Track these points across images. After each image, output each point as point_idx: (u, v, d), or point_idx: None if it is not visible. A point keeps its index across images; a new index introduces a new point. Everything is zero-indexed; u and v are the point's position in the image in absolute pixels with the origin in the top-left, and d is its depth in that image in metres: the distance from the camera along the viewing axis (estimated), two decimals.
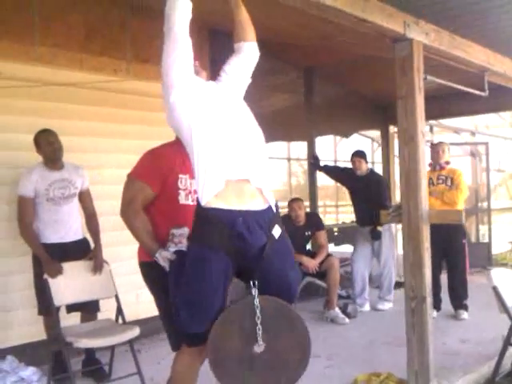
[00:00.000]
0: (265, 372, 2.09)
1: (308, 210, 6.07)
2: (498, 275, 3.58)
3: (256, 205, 2.11)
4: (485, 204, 8.32)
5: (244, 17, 2.41)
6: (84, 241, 3.77)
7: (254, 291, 2.07)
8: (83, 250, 3.70)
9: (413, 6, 3.10)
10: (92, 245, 3.77)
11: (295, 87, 6.36)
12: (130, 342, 3.36)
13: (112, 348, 3.51)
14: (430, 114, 7.62)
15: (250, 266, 2.10)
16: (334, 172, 6.15)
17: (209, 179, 2.06)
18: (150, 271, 2.43)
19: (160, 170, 2.42)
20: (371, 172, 5.66)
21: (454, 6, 3.20)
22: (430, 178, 5.10)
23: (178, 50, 2.13)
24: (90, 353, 3.69)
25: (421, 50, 3.22)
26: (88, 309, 3.63)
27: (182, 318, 2.09)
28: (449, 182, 5.03)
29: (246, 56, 2.40)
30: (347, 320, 4.96)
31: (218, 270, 2.06)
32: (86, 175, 3.77)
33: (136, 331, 3.32)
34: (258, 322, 2.04)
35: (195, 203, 2.36)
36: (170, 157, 2.47)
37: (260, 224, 2.09)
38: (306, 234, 5.28)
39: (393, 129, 7.43)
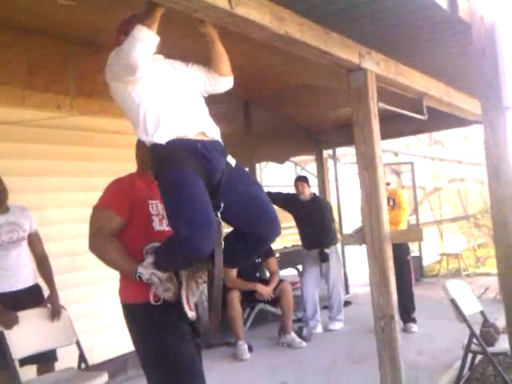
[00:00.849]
0: None
1: None
2: (453, 287, 3.76)
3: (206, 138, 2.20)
4: (413, 219, 8.74)
5: (219, 51, 2.42)
6: (36, 287, 3.55)
7: (218, 214, 2.11)
8: (36, 297, 3.49)
9: (364, 38, 3.28)
10: (44, 290, 3.57)
11: (236, 115, 6.45)
12: None
13: None
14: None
15: (214, 189, 2.13)
16: (278, 198, 6.24)
17: (163, 130, 2.12)
18: (137, 313, 2.28)
19: (126, 196, 2.32)
20: (314, 196, 5.82)
21: (399, 37, 3.42)
22: None
23: (126, 75, 2.16)
24: None
25: (374, 79, 3.40)
26: (45, 359, 3.40)
27: (188, 237, 2.00)
28: (391, 203, 5.26)
29: (218, 87, 2.47)
30: (304, 343, 5.00)
31: (200, 184, 2.07)
32: (32, 217, 3.58)
33: (105, 377, 3.18)
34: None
35: (169, 228, 2.31)
36: (134, 182, 2.39)
37: (217, 150, 2.19)
38: (257, 261, 5.30)
39: (326, 153, 7.69)
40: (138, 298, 2.25)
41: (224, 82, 2.44)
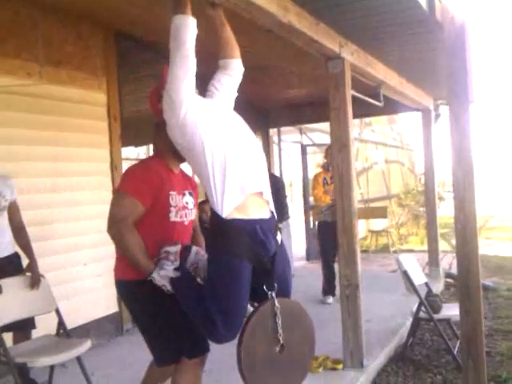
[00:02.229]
0: (285, 369, 2.24)
1: None
2: (405, 260, 4.17)
3: (266, 214, 2.27)
4: None
5: (229, 34, 2.52)
6: (15, 255, 3.54)
7: (273, 294, 2.20)
8: (16, 266, 3.48)
9: (343, 29, 3.53)
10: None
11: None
12: (79, 358, 3.27)
13: (51, 367, 3.37)
14: (307, 118, 8.39)
15: (265, 271, 2.23)
16: None
17: (228, 193, 2.15)
18: (141, 289, 2.35)
19: (151, 186, 2.36)
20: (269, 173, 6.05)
21: (375, 32, 3.72)
22: (325, 178, 5.68)
23: (188, 66, 2.15)
24: (24, 373, 3.49)
25: (349, 67, 3.66)
26: (23, 327, 3.42)
27: (219, 329, 2.13)
28: None
29: (235, 73, 2.52)
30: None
31: (247, 278, 2.17)
32: (14, 185, 3.55)
33: (88, 344, 3.23)
34: (279, 322, 2.17)
35: (183, 220, 2.47)
36: (159, 172, 2.42)
37: (271, 231, 2.26)
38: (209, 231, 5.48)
39: (273, 132, 7.96)
40: (136, 274, 2.34)
41: (238, 65, 2.52)
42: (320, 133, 10.82)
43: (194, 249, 2.45)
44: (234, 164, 2.19)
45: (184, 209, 2.49)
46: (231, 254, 2.14)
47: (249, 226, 2.17)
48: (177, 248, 2.37)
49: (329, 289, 5.70)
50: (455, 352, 3.91)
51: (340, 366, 3.60)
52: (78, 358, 3.23)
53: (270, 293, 2.20)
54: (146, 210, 2.34)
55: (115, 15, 4.47)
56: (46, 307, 3.44)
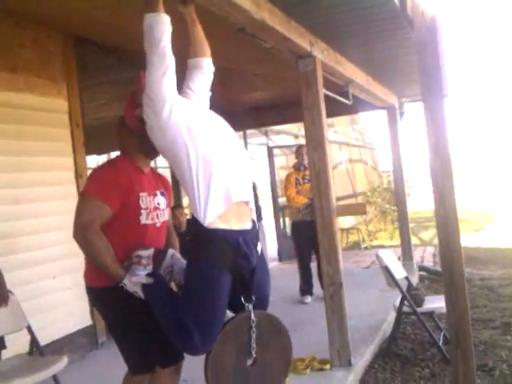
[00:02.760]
0: (260, 381, 2.16)
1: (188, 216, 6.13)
2: (384, 256, 4.15)
3: (248, 224, 2.19)
4: None
5: (200, 32, 2.45)
6: None
7: (250, 307, 2.12)
8: None
9: (312, 27, 3.47)
10: None
11: None
12: (55, 377, 3.10)
13: None
14: (272, 121, 8.36)
15: (244, 283, 2.15)
16: None
17: (212, 200, 2.05)
18: (113, 296, 2.24)
19: (118, 187, 2.24)
20: None
21: (344, 29, 3.69)
22: (296, 178, 5.63)
23: (165, 64, 2.05)
24: None
25: (320, 66, 3.61)
26: None
27: (196, 341, 2.03)
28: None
29: (208, 71, 2.46)
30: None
31: (226, 290, 2.09)
32: None
33: (64, 361, 3.07)
34: (253, 336, 2.10)
35: (155, 222, 2.35)
36: (127, 172, 2.30)
37: (253, 242, 2.19)
38: (188, 239, 5.36)
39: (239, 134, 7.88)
40: (108, 282, 2.22)
41: (210, 64, 2.46)
42: (285, 135, 10.82)
43: (170, 252, 2.37)
44: (221, 170, 2.10)
45: (156, 210, 2.37)
46: (212, 264, 2.06)
47: (231, 238, 2.08)
48: (149, 252, 2.27)
49: (306, 288, 5.65)
50: (440, 344, 3.90)
51: (327, 366, 3.53)
52: (55, 377, 3.06)
53: (247, 305, 2.13)
54: (113, 213, 2.22)
55: (75, 19, 4.30)
56: (17, 325, 3.28)
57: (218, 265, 2.05)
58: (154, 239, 2.36)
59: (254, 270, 2.17)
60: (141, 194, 2.30)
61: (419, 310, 3.95)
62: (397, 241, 10.27)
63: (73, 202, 4.32)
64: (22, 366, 3.04)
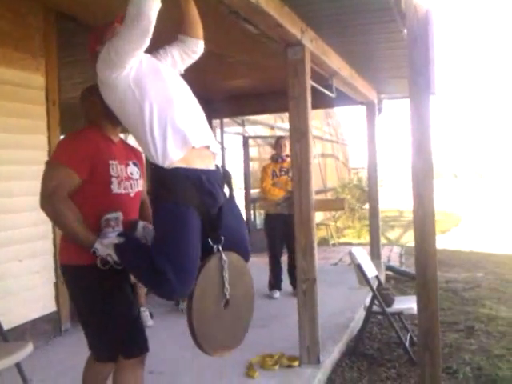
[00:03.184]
0: (229, 324, 2.16)
1: None
2: (357, 254, 4.14)
3: (211, 166, 2.18)
4: None
5: (194, 12, 2.37)
6: None
7: (220, 247, 2.12)
8: None
9: (303, 15, 3.41)
10: None
11: None
12: (18, 364, 2.98)
13: None
14: (251, 110, 8.26)
15: (212, 224, 2.14)
16: None
17: (171, 147, 2.04)
18: (87, 277, 2.21)
19: (86, 154, 2.19)
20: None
21: (334, 19, 3.64)
22: (273, 170, 5.58)
23: (143, 41, 2.02)
24: None
25: (309, 55, 3.55)
26: None
27: (172, 281, 1.97)
28: (290, 174, 5.53)
29: (193, 53, 2.40)
30: None
31: (196, 226, 2.06)
32: None
33: (29, 347, 2.94)
34: (226, 276, 2.09)
35: (128, 192, 2.33)
36: (94, 140, 2.26)
37: (218, 182, 2.18)
38: (150, 185, 5.28)
39: (216, 122, 7.77)
40: (84, 260, 2.18)
41: (200, 46, 2.39)
42: (261, 126, 10.75)
43: (141, 223, 2.32)
44: (177, 118, 2.09)
45: (128, 179, 2.34)
46: (177, 201, 2.03)
47: (193, 175, 2.07)
48: (117, 215, 2.25)
49: (275, 283, 5.62)
50: (407, 345, 3.92)
51: (296, 363, 3.50)
52: (18, 365, 2.93)
53: (215, 246, 2.12)
54: (82, 180, 2.18)
55: None
56: None
57: (183, 202, 2.03)
58: (127, 209, 2.32)
59: (220, 210, 2.15)
60: (110, 161, 2.27)
61: (388, 310, 3.95)
62: (364, 239, 10.38)
63: None
64: None
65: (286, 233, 5.52)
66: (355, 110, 6.97)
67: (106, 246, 2.12)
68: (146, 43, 2.03)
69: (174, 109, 2.10)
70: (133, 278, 2.35)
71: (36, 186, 4.11)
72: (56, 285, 4.39)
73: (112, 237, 2.14)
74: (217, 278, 2.09)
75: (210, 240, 2.11)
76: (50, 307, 4.35)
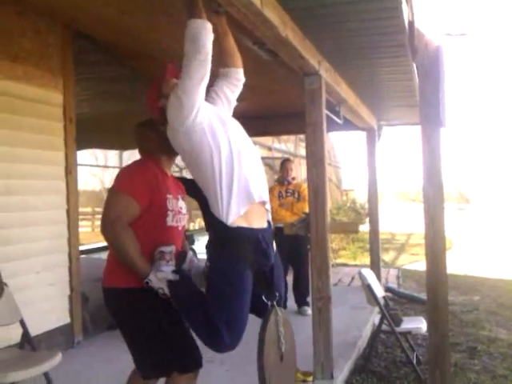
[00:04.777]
0: (284, 377, 2.27)
1: None
2: (367, 274, 4.29)
3: (265, 224, 2.28)
4: None
5: (232, 43, 2.51)
6: None
7: (275, 305, 2.22)
8: None
9: (319, 47, 3.60)
10: None
11: (138, 96, 6.32)
12: (47, 374, 3.07)
13: None
14: (252, 132, 8.42)
15: (265, 281, 2.25)
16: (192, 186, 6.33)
17: (234, 201, 2.12)
18: (137, 298, 2.24)
19: (148, 186, 2.28)
20: None
21: (349, 53, 3.84)
22: (280, 192, 5.74)
23: (205, 71, 2.12)
24: None
25: (324, 84, 3.74)
26: None
27: (224, 337, 2.08)
28: (296, 195, 5.71)
29: (238, 82, 2.51)
30: None
31: (250, 285, 2.17)
32: None
33: (58, 357, 3.03)
34: (282, 331, 2.20)
35: (178, 225, 2.40)
36: (155, 172, 2.35)
37: (270, 240, 2.28)
38: (209, 239, 5.37)
39: None
40: (135, 282, 2.22)
41: (241, 74, 2.51)
42: (259, 146, 10.93)
43: (189, 255, 2.41)
44: (242, 171, 2.17)
45: (179, 213, 2.42)
46: (236, 261, 2.12)
47: (252, 235, 2.16)
48: (171, 248, 2.30)
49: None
50: (415, 364, 4.05)
51: (310, 378, 3.62)
52: (46, 374, 3.02)
53: (270, 303, 2.21)
54: (142, 210, 2.25)
55: (74, 12, 4.30)
56: (11, 317, 3.24)
57: (241, 262, 2.12)
58: (176, 241, 2.40)
59: (273, 268, 2.26)
60: (167, 195, 2.35)
61: (397, 329, 4.09)
62: (359, 261, 10.53)
63: (61, 197, 4.43)
64: (15, 360, 2.99)
65: (292, 251, 5.67)
66: (351, 134, 7.15)
67: (159, 280, 2.16)
68: (207, 74, 2.12)
69: (241, 163, 2.17)
70: None
71: (52, 200, 4.34)
72: (70, 297, 4.49)
73: (167, 271, 2.18)
74: (275, 333, 2.19)
75: (264, 297, 2.22)
76: (64, 319, 4.43)
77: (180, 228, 2.45)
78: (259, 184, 2.26)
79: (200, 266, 2.41)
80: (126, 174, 2.37)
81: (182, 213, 2.46)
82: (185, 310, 2.19)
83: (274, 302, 2.23)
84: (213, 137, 2.14)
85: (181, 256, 2.37)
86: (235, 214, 2.12)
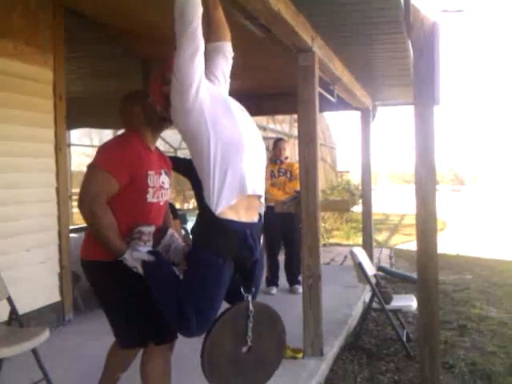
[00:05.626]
0: (249, 371, 2.23)
1: None
2: (358, 253, 4.30)
3: (256, 217, 2.22)
4: None
5: (222, 16, 2.45)
6: None
7: (250, 297, 2.17)
8: None
9: (314, 23, 3.54)
10: None
11: (133, 73, 6.26)
12: (35, 350, 3.05)
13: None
14: (248, 111, 8.37)
15: (246, 275, 2.21)
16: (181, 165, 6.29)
17: (226, 190, 2.05)
18: (114, 270, 2.24)
19: (129, 163, 2.24)
20: None
21: (344, 30, 3.80)
22: (272, 171, 5.72)
23: (195, 46, 2.03)
24: None
25: (318, 61, 3.69)
26: None
27: (192, 326, 2.06)
28: (288, 175, 5.69)
29: (229, 55, 2.44)
30: None
31: (227, 279, 2.13)
32: None
33: (46, 334, 3.02)
34: (250, 325, 2.16)
35: (159, 200, 2.38)
36: (137, 149, 2.30)
37: (258, 235, 2.23)
38: (196, 224, 5.35)
39: None
40: (109, 256, 2.23)
41: (230, 48, 2.44)
42: None
43: (170, 231, 2.38)
44: (239, 160, 2.08)
45: (161, 189, 2.40)
46: (218, 253, 2.07)
47: (240, 229, 2.10)
48: (150, 229, 2.30)
49: (272, 280, 5.76)
50: (404, 341, 4.09)
51: (300, 355, 3.64)
52: (34, 350, 3.01)
53: (246, 296, 2.18)
54: (120, 187, 2.24)
55: None
56: None
57: (223, 254, 2.08)
58: (156, 217, 2.40)
59: (256, 262, 2.22)
60: (149, 172, 2.32)
61: (388, 307, 4.11)
62: (352, 241, 10.57)
63: (50, 175, 4.39)
64: (1, 337, 2.97)
65: (284, 231, 5.68)
66: (344, 114, 7.04)
67: (134, 259, 2.16)
68: (200, 48, 2.05)
69: (239, 153, 2.09)
70: None
71: (42, 178, 4.30)
72: (60, 276, 4.49)
73: (142, 252, 2.18)
74: (240, 324, 2.15)
75: (242, 289, 2.18)
76: (54, 297, 4.43)
77: (162, 203, 2.43)
78: (256, 177, 2.16)
79: (181, 243, 2.38)
80: (105, 150, 2.33)
81: (165, 188, 2.43)
82: (157, 291, 2.17)
83: (250, 297, 2.18)
84: (213, 121, 2.06)
85: (161, 231, 2.35)
86: (225, 204, 2.05)
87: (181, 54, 2.04)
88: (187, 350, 3.07)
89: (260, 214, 2.26)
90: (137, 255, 2.17)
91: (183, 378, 2.91)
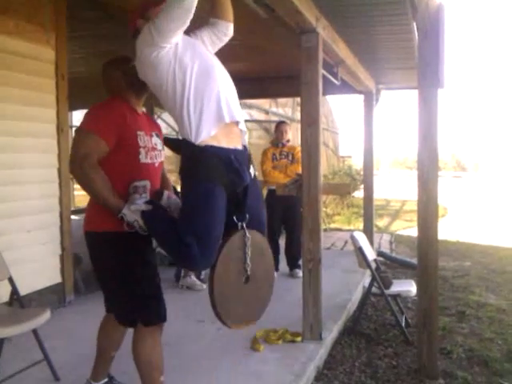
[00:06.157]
0: (248, 300, 2.27)
1: None
2: (359, 237, 4.29)
3: (239, 145, 2.26)
4: None
5: None
6: None
7: (244, 224, 2.21)
8: None
9: (317, 2, 3.49)
10: None
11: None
12: (35, 331, 3.07)
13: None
14: (249, 94, 8.32)
15: (238, 202, 2.24)
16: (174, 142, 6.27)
17: (204, 120, 2.11)
18: (114, 242, 2.30)
19: (115, 124, 2.28)
20: None
21: (347, 10, 3.73)
22: (274, 154, 5.69)
23: (185, 20, 2.08)
24: None
25: (321, 42, 3.64)
26: None
27: (195, 253, 2.08)
28: (290, 158, 5.66)
29: (223, 36, 2.44)
30: (204, 286, 5.21)
31: (222, 202, 2.16)
32: None
33: (47, 314, 3.02)
34: (248, 253, 2.19)
35: (154, 162, 2.43)
36: (122, 110, 2.35)
37: (245, 162, 2.27)
38: (181, 161, 5.34)
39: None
40: (110, 226, 2.28)
41: (230, 29, 2.44)
42: (256, 110, 10.81)
43: (166, 193, 2.43)
44: (212, 88, 2.15)
45: (154, 150, 2.44)
46: (206, 178, 2.12)
47: (223, 154, 2.16)
48: (145, 183, 2.35)
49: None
50: (403, 326, 4.09)
51: (299, 339, 3.65)
52: (34, 331, 3.02)
53: (239, 223, 2.21)
54: (109, 148, 2.27)
55: None
56: None
57: (212, 179, 2.12)
58: (152, 179, 2.43)
59: (246, 189, 2.25)
60: (138, 132, 2.37)
61: (387, 292, 4.11)
62: (353, 226, 10.57)
63: (52, 156, 4.36)
64: (3, 316, 2.98)
65: (286, 214, 5.67)
66: (348, 98, 7.01)
67: (133, 212, 2.20)
68: (187, 23, 2.09)
69: (211, 82, 2.15)
70: (154, 244, 2.44)
71: (44, 158, 4.27)
72: (61, 257, 4.49)
73: (140, 204, 2.23)
74: (239, 253, 2.19)
75: (234, 217, 2.21)
76: (56, 278, 4.44)
77: (156, 165, 2.46)
78: (231, 104, 2.20)
79: (179, 202, 2.39)
80: (91, 115, 2.35)
81: (157, 149, 2.47)
82: (159, 234, 2.21)
83: (244, 224, 2.21)
84: (180, 63, 2.13)
85: (158, 193, 2.39)
86: (205, 135, 2.11)
87: (169, 21, 2.08)
88: (187, 349, 3.12)
89: (245, 145, 2.31)
90: (135, 207, 2.22)
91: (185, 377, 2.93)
